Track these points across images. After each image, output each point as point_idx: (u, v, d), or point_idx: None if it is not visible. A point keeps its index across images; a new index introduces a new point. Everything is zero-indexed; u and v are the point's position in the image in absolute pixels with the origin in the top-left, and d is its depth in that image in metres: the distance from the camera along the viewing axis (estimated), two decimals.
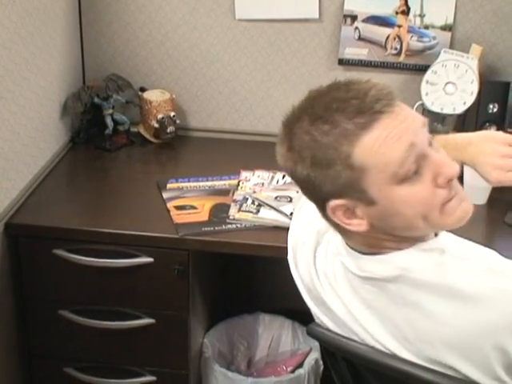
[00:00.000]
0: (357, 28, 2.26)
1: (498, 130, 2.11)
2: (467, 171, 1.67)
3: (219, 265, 2.41)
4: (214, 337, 2.28)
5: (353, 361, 1.29)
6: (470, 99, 2.14)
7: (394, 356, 1.19)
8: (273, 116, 2.42)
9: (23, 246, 1.92)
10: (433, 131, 1.20)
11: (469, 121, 2.20)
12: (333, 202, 1.16)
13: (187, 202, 2.01)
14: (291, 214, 1.90)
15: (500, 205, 2.00)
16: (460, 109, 2.16)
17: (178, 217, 1.92)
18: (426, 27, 2.23)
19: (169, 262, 1.87)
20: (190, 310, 1.95)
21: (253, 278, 2.56)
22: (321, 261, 1.31)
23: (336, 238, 1.28)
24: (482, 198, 2.00)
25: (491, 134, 1.51)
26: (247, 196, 2.02)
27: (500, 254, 1.21)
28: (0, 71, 1.80)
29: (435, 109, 2.17)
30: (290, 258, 1.42)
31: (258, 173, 2.16)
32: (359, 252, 1.23)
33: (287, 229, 1.86)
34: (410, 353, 1.17)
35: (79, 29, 2.37)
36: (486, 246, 1.24)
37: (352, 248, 1.24)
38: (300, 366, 2.23)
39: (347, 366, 1.31)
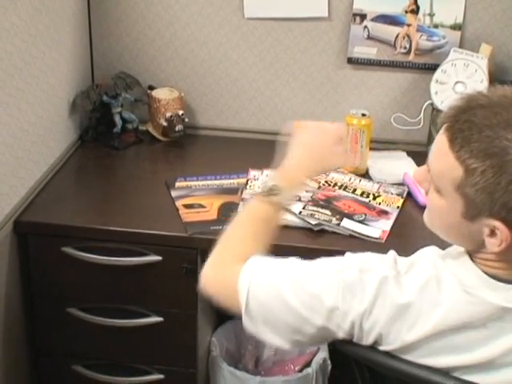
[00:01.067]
0: (366, 27, 2.25)
1: None
2: None
3: None
4: (221, 335, 2.28)
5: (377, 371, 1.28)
6: None
7: (421, 366, 1.19)
8: (281, 114, 2.42)
9: (32, 244, 1.93)
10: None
11: None
12: None
13: (196, 200, 2.01)
14: (299, 212, 1.90)
15: None
16: None
17: (187, 215, 1.92)
18: (436, 26, 2.23)
19: (177, 260, 1.87)
20: (198, 309, 1.95)
21: None
22: None
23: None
24: None
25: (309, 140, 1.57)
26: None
27: None
28: (9, 69, 1.81)
29: (445, 108, 2.15)
30: None
31: (266, 171, 2.16)
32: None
33: (295, 228, 1.87)
34: None
35: (88, 27, 2.37)
36: None
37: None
38: (308, 365, 2.23)
39: (370, 376, 1.31)
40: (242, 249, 1.39)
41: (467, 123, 1.08)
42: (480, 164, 1.06)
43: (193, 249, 1.87)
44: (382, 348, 1.22)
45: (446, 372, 1.18)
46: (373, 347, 1.23)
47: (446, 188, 1.14)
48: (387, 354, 1.22)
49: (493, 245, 1.12)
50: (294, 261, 1.32)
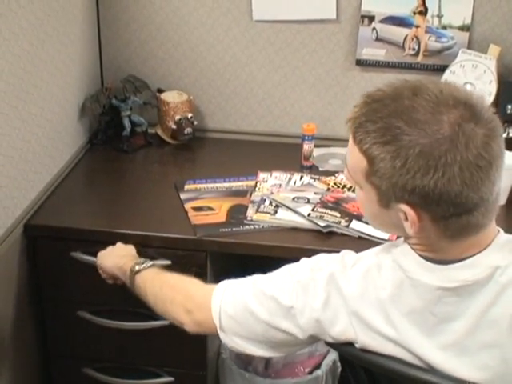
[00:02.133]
0: (374, 28, 2.25)
1: None
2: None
3: (237, 266, 2.41)
4: None
5: (372, 370, 1.29)
6: (489, 100, 2.12)
7: (415, 366, 1.21)
8: (290, 117, 2.42)
9: (41, 247, 1.93)
10: None
11: None
12: None
13: (205, 203, 2.01)
14: (308, 214, 1.90)
15: None
16: None
17: (196, 218, 1.93)
18: (444, 27, 2.22)
19: (187, 263, 1.87)
20: None
21: None
22: None
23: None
24: (502, 199, 1.99)
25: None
26: (265, 197, 2.02)
27: None
28: (19, 73, 1.81)
29: None
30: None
31: (275, 174, 2.16)
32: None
33: (304, 230, 1.87)
34: None
35: (97, 30, 2.38)
36: None
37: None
38: (318, 367, 2.22)
39: (366, 374, 1.31)
40: (181, 277, 1.58)
41: (364, 117, 1.16)
42: (378, 152, 1.12)
43: (202, 251, 1.87)
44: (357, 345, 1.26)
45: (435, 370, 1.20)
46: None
47: (360, 180, 1.20)
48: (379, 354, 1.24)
49: (408, 228, 1.16)
50: (259, 275, 1.41)
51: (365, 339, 1.24)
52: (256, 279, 1.39)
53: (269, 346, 1.37)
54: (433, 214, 1.13)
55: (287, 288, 1.30)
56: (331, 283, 1.26)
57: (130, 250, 1.79)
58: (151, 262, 1.67)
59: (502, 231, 1.22)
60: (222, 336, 1.40)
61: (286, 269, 1.36)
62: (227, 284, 1.43)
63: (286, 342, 1.34)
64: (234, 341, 1.39)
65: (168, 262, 1.87)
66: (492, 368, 1.18)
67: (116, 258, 1.75)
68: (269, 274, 1.38)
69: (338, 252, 1.33)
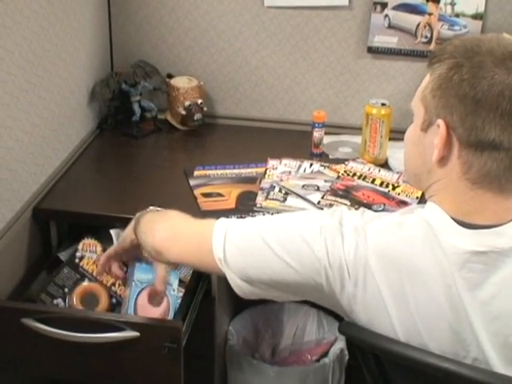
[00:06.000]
0: (387, 15, 2.24)
1: None
2: None
3: None
4: (239, 324, 2.28)
5: (383, 359, 1.28)
6: None
7: (432, 353, 1.19)
8: (300, 104, 2.41)
9: (53, 230, 1.94)
10: None
11: None
12: None
13: (214, 189, 2.01)
14: (318, 202, 1.89)
15: None
16: None
17: (205, 204, 1.92)
18: (457, 15, 2.20)
19: None
20: (215, 298, 1.95)
21: None
22: None
23: None
24: None
25: None
26: (274, 184, 2.01)
27: None
28: (29, 57, 1.81)
29: None
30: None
31: (285, 161, 2.15)
32: None
33: None
34: None
35: (108, 15, 2.37)
36: None
37: None
38: (325, 355, 2.22)
39: (376, 363, 1.30)
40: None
41: (443, 49, 1.22)
42: (441, 64, 1.19)
43: None
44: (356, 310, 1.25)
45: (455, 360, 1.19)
46: (379, 334, 1.24)
47: (415, 105, 1.26)
48: (392, 340, 1.22)
49: (435, 153, 1.19)
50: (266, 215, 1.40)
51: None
52: (268, 218, 1.38)
53: (276, 286, 1.32)
54: (459, 134, 1.16)
55: (313, 231, 1.26)
56: (358, 233, 1.24)
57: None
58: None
59: None
60: (225, 270, 1.34)
61: (305, 214, 1.37)
62: (229, 221, 1.38)
63: (301, 287, 1.29)
64: (238, 277, 1.33)
65: None
66: (505, 336, 1.19)
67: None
68: (282, 215, 1.37)
69: None
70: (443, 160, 1.19)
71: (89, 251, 1.81)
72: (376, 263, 1.21)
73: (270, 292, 1.34)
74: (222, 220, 1.38)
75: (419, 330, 1.20)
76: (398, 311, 1.20)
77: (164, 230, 1.49)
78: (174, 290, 1.68)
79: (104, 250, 1.77)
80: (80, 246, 1.81)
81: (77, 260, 1.79)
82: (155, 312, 1.65)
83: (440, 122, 1.17)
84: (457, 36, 1.24)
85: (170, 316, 1.67)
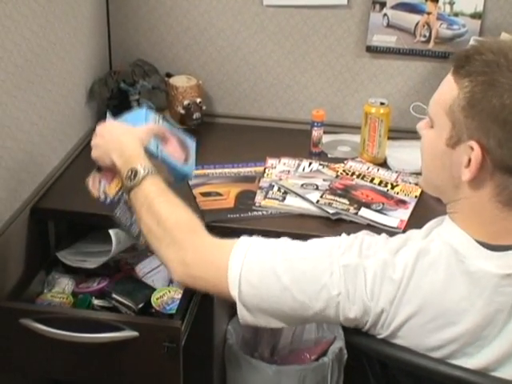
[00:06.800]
0: (385, 15, 2.23)
1: None
2: None
3: None
4: (238, 324, 2.27)
5: (388, 365, 1.27)
6: None
7: (440, 360, 1.19)
8: (299, 103, 2.40)
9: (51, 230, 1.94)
10: None
11: None
12: None
13: (213, 188, 2.00)
14: (317, 201, 1.89)
15: None
16: None
17: (204, 203, 1.92)
18: (456, 15, 2.20)
19: None
20: (214, 297, 1.94)
21: None
22: None
23: None
24: None
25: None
26: (273, 183, 2.01)
27: None
28: (27, 55, 1.80)
29: None
30: None
31: (283, 160, 2.15)
32: None
33: (313, 216, 1.87)
34: None
35: (106, 13, 2.37)
36: None
37: None
38: (324, 354, 2.22)
39: (381, 368, 1.30)
40: (185, 219, 1.44)
41: (470, 58, 1.16)
42: (472, 81, 1.14)
43: None
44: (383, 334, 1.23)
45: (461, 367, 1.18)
46: (384, 340, 1.23)
47: (437, 114, 1.21)
48: (398, 346, 1.22)
49: (466, 172, 1.16)
50: (286, 242, 1.33)
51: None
52: (287, 250, 1.30)
53: (289, 321, 1.31)
54: (495, 158, 1.14)
55: (331, 271, 1.23)
56: (383, 271, 1.21)
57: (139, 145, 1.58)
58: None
59: None
60: (239, 308, 1.29)
61: (325, 246, 1.28)
62: (247, 247, 1.30)
63: (316, 319, 1.28)
64: (253, 314, 1.30)
65: None
66: None
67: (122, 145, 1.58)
68: (302, 246, 1.31)
69: None
70: (474, 180, 1.17)
71: None
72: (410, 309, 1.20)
73: (278, 324, 1.32)
74: (238, 252, 1.31)
75: None
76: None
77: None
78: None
79: None
80: None
81: None
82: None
83: (474, 144, 1.14)
84: (476, 39, 1.19)
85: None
